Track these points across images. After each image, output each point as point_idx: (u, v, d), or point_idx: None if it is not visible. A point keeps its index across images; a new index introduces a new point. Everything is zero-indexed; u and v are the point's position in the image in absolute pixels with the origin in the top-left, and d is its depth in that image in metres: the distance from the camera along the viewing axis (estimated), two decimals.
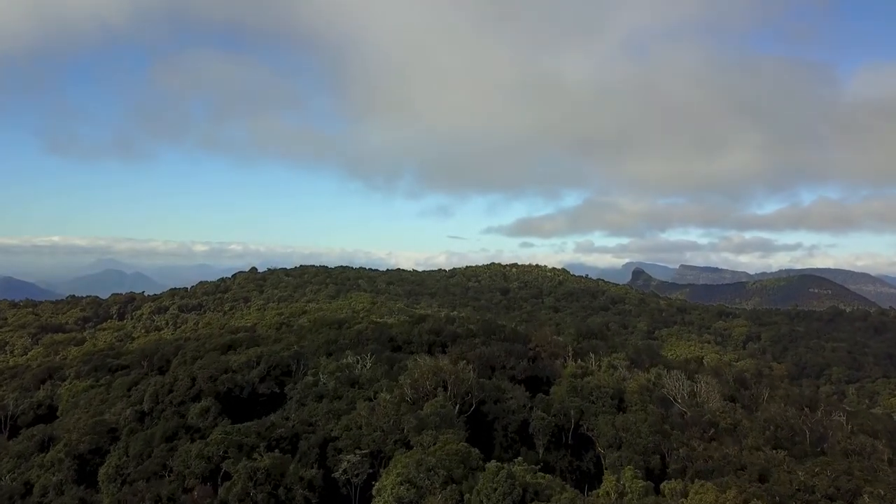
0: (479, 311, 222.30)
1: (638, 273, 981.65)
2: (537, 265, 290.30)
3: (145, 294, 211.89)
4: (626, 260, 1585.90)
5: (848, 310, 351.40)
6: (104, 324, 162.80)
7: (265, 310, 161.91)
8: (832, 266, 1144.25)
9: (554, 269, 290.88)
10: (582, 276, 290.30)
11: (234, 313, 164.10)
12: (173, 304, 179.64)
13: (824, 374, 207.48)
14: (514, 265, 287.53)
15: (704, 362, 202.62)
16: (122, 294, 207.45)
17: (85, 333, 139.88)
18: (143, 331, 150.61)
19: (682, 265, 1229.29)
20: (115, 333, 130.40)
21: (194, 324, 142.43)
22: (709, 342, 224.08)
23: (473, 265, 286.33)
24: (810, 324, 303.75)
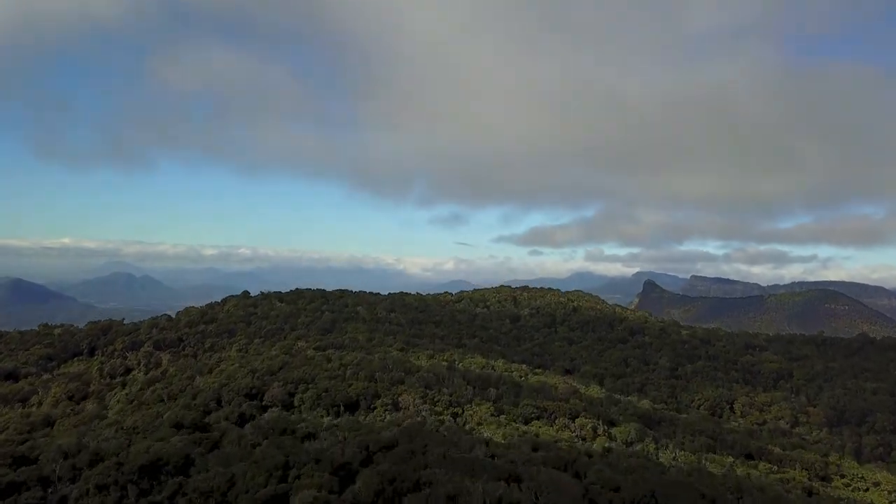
0: (488, 343, 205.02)
1: (650, 285, 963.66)
2: (550, 289, 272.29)
3: (124, 321, 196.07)
4: (637, 269, 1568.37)
5: (878, 337, 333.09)
6: (68, 364, 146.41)
7: (247, 351, 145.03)
8: (846, 279, 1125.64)
9: (568, 293, 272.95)
10: (598, 300, 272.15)
11: (212, 354, 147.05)
12: (150, 338, 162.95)
13: (866, 422, 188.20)
14: (525, 288, 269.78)
15: (735, 408, 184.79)
16: (98, 322, 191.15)
17: (38, 383, 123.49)
18: (107, 376, 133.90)
19: (693, 275, 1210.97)
20: (68, 386, 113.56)
21: (162, 372, 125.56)
22: (737, 381, 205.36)
23: (481, 288, 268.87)
24: (839, 352, 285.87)
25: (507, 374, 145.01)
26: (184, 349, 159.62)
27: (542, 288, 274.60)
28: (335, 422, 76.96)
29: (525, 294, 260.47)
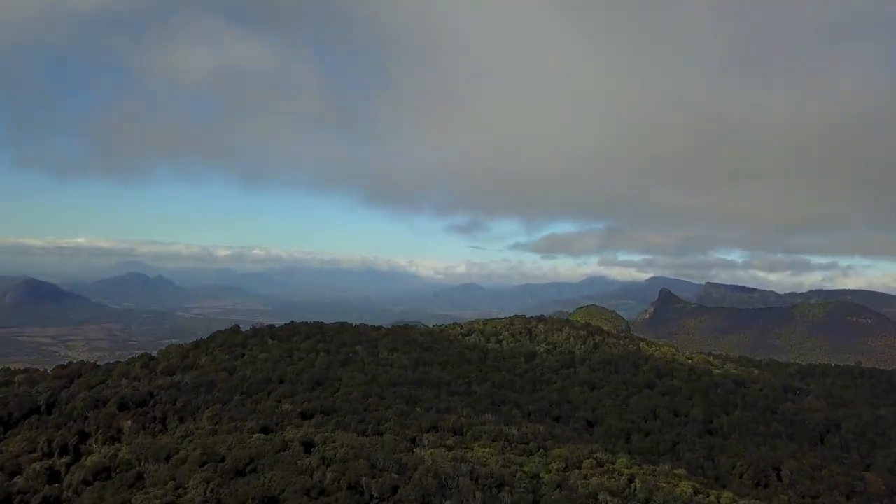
0: (501, 390, 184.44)
1: (666, 295, 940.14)
2: (568, 320, 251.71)
3: (97, 364, 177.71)
4: (650, 274, 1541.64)
5: None
6: (15, 432, 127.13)
7: (220, 419, 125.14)
8: (865, 287, 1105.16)
9: (588, 324, 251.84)
10: (621, 333, 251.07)
11: (180, 423, 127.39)
12: (117, 392, 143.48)
13: None
14: (542, 319, 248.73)
15: (782, 475, 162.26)
16: (67, 365, 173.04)
17: None
18: (57, 450, 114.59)
19: (707, 282, 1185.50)
20: None
21: (112, 456, 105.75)
22: (780, 436, 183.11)
23: (494, 318, 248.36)
24: (880, 388, 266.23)
25: (523, 449, 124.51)
26: (154, 406, 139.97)
27: (558, 319, 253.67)
28: None
29: (541, 326, 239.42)
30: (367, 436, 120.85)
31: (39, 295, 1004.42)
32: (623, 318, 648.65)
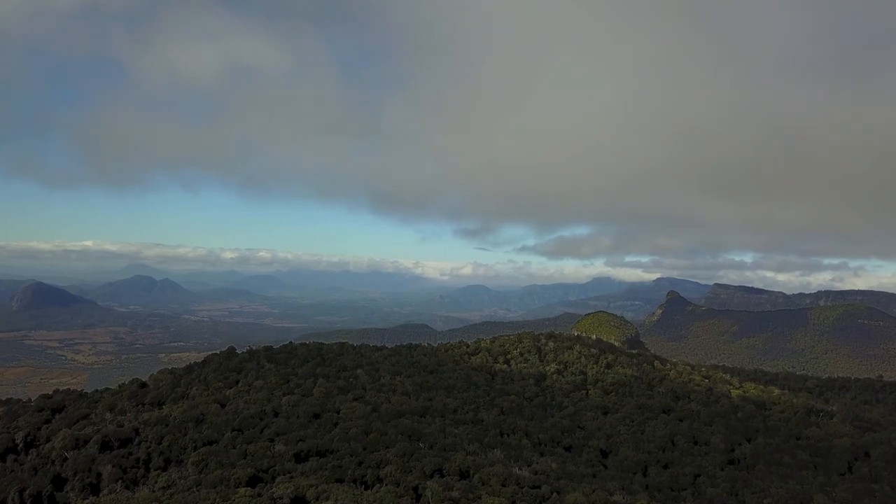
0: (509, 417, 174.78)
1: (675, 297, 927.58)
2: (578, 336, 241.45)
3: (83, 392, 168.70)
4: (657, 275, 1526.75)
5: None
6: None
7: (206, 465, 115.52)
8: (876, 287, 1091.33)
9: (599, 340, 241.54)
10: (632, 349, 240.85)
11: (162, 471, 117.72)
12: (97, 431, 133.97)
13: None
14: (551, 335, 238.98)
15: None
16: (50, 396, 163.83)
17: None
18: (28, 502, 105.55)
19: (715, 283, 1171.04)
20: None
21: None
22: (807, 466, 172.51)
23: (501, 336, 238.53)
24: None
25: (535, 495, 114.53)
26: (138, 445, 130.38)
27: (568, 335, 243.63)
28: None
29: (551, 344, 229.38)
30: (365, 483, 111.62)
31: (47, 298, 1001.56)
32: (632, 323, 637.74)
